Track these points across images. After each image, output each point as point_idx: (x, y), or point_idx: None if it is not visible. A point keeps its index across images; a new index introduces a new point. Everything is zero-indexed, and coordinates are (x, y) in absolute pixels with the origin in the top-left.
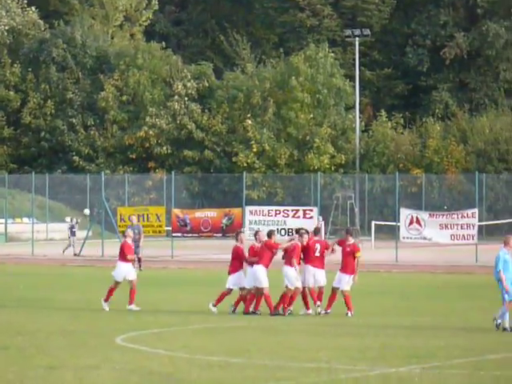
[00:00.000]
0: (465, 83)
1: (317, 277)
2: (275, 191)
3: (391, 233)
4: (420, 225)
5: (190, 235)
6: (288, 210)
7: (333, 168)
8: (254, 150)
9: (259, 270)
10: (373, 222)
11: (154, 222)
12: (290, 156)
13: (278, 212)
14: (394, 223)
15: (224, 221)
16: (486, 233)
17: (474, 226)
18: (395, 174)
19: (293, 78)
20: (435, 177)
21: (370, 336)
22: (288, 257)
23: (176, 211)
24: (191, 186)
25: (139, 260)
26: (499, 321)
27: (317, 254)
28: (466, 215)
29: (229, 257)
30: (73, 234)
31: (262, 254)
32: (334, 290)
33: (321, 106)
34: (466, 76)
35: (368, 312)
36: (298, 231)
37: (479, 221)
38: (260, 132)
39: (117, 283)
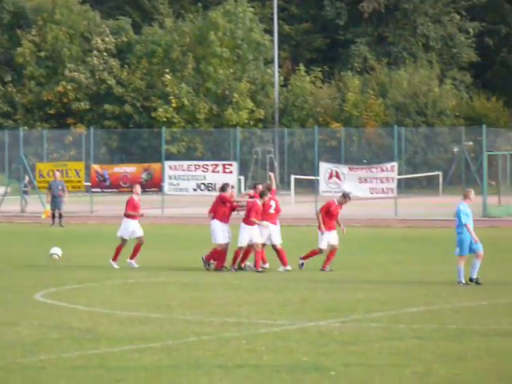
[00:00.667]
0: (383, 37)
1: (272, 233)
2: (195, 146)
3: (311, 187)
4: (339, 179)
5: (110, 190)
6: (207, 165)
7: (252, 123)
8: (173, 104)
9: (213, 224)
10: (292, 177)
11: (73, 178)
12: (210, 111)
13: (197, 167)
14: (313, 177)
15: (143, 176)
16: (405, 186)
17: (393, 180)
18: (314, 128)
19: (212, 32)
20: (354, 130)
21: (290, 290)
22: (247, 215)
23: (95, 167)
24: (110, 141)
25: (60, 216)
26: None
27: (271, 211)
28: (385, 169)
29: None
30: None
31: (217, 208)
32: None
33: (240, 60)
34: (384, 30)
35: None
36: (255, 187)
37: (398, 174)
38: (179, 87)
39: (124, 241)
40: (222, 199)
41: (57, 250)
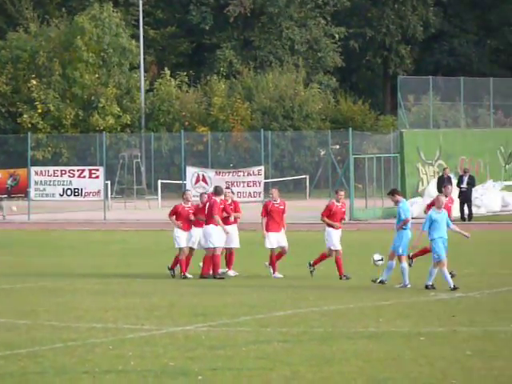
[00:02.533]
0: (249, 41)
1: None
2: (60, 151)
3: (178, 191)
4: (206, 183)
5: None
6: (74, 170)
7: (119, 128)
8: (39, 110)
9: (209, 229)
10: (159, 181)
11: None
12: (76, 116)
13: (63, 172)
14: (180, 182)
15: (9, 182)
16: None
17: (260, 184)
18: (181, 132)
19: (78, 37)
20: (221, 134)
21: (157, 295)
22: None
23: None
24: None
25: None
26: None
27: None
28: (252, 173)
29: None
30: None
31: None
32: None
33: (106, 65)
34: (249, 34)
35: (154, 272)
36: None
37: (265, 178)
38: (45, 92)
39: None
40: (211, 207)
41: None
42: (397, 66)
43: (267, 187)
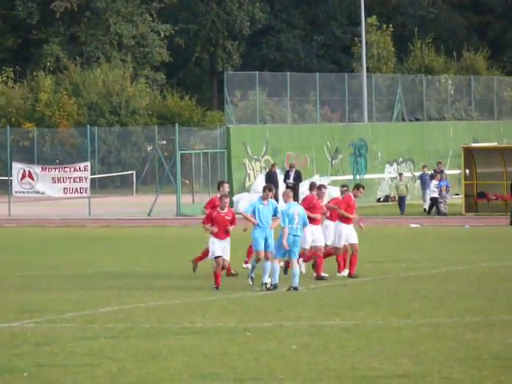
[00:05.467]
0: (76, 36)
1: None
2: None
3: (4, 188)
4: (32, 179)
5: None
6: None
7: None
8: None
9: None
10: None
11: None
12: None
13: None
14: (6, 178)
15: None
16: (100, 186)
17: (86, 179)
18: (6, 128)
19: None
20: (47, 130)
21: None
22: None
23: None
24: None
25: None
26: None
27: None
28: (78, 168)
29: None
30: None
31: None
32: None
33: None
34: (76, 29)
35: None
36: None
37: (92, 174)
38: None
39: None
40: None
41: None
42: (224, 62)
43: (93, 183)
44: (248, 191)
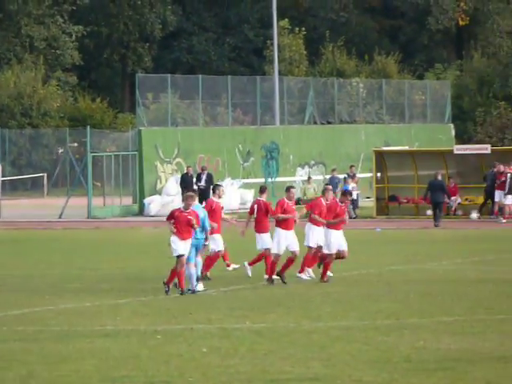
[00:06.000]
0: None
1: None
2: None
3: None
4: None
5: None
6: None
7: None
8: None
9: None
10: None
11: None
12: None
13: None
14: None
15: None
16: (10, 188)
17: None
18: None
19: None
20: None
21: None
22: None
23: None
24: None
25: None
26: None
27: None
28: None
29: None
30: None
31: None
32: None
33: None
34: None
35: None
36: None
37: (3, 176)
38: None
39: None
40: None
41: None
42: (135, 64)
43: (4, 185)
44: (159, 194)
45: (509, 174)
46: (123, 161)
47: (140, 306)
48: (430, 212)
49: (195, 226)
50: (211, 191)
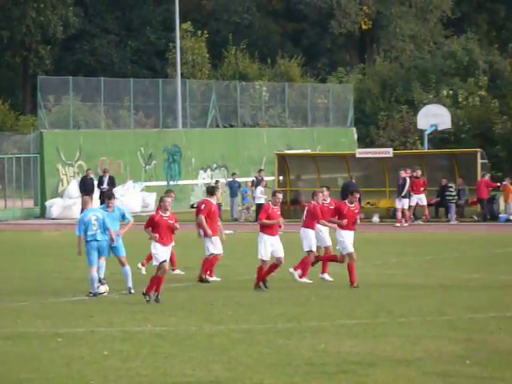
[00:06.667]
0: None
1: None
2: None
3: None
4: None
5: None
6: None
7: None
8: None
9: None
10: None
11: None
12: None
13: None
14: None
15: None
16: None
17: None
18: None
19: None
20: None
21: None
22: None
23: None
24: None
25: None
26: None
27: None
28: None
29: None
30: None
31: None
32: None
33: None
34: None
35: None
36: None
37: None
38: None
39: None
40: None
41: None
42: (36, 66)
43: None
44: (61, 196)
45: (407, 179)
46: (25, 163)
47: (41, 308)
48: None
49: (176, 229)
50: (207, 193)
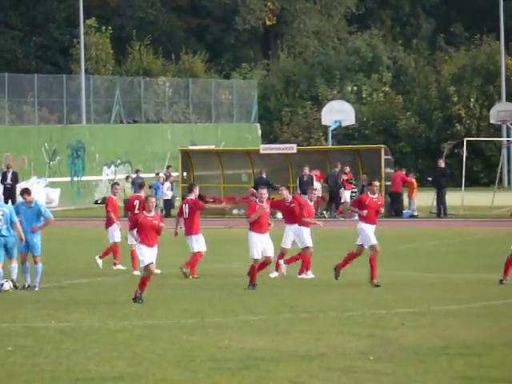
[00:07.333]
0: None
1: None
2: None
3: None
4: None
5: None
6: None
7: None
8: None
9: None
10: None
11: None
12: None
13: None
14: None
15: None
16: None
17: None
18: None
19: None
20: None
21: None
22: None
23: None
24: None
25: None
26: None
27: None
28: None
29: None
30: None
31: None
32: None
33: None
34: None
35: None
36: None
37: None
38: None
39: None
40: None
41: None
42: None
43: None
44: None
45: (314, 176)
46: None
47: None
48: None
49: (162, 230)
50: (188, 190)
